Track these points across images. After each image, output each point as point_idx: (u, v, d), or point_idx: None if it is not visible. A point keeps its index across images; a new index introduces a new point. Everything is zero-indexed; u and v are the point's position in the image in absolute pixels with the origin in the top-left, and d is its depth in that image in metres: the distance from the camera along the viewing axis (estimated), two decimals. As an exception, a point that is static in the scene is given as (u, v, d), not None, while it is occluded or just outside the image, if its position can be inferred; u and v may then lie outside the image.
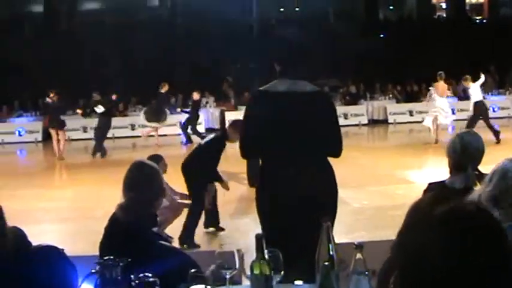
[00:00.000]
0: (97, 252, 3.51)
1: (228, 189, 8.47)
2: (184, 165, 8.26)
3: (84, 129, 23.10)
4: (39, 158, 20.39)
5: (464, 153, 3.85)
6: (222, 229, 8.72)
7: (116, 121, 22.93)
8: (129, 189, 3.36)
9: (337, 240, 2.86)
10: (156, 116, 20.15)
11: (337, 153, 4.30)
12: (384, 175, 12.69)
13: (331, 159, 4.29)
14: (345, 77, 27.74)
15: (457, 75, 24.86)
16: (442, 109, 17.20)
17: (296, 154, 4.16)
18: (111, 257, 2.72)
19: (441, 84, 17.36)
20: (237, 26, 28.90)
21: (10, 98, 25.71)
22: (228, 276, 2.97)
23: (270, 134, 4.19)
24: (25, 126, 24.20)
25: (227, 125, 8.66)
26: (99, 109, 18.35)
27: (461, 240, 1.39)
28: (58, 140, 17.95)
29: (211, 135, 8.65)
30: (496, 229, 1.45)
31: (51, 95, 17.85)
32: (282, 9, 35.70)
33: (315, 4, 32.57)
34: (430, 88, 17.97)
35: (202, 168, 8.12)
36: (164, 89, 19.79)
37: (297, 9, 35.80)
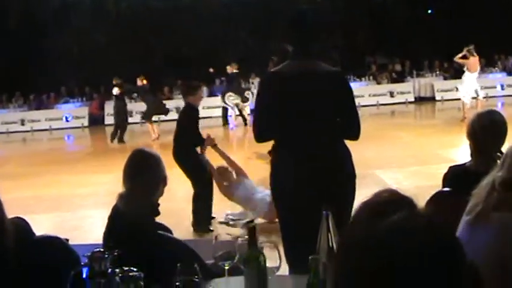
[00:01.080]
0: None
1: (214, 143, 7.88)
2: (174, 153, 7.88)
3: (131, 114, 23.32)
4: (85, 143, 20.64)
5: (485, 134, 3.63)
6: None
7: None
8: (129, 178, 3.27)
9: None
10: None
11: (354, 136, 4.11)
12: (428, 154, 12.35)
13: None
14: (391, 53, 27.27)
15: (507, 50, 24.26)
16: (471, 86, 16.76)
17: (310, 137, 4.00)
18: (101, 249, 2.65)
19: (472, 60, 16.87)
20: (280, 5, 28.66)
21: (57, 85, 26.12)
22: (226, 268, 2.86)
23: (282, 116, 4.04)
24: (72, 112, 24.61)
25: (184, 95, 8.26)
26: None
27: (400, 265, 1.13)
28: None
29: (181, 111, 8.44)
30: (449, 253, 1.17)
31: (141, 80, 17.79)
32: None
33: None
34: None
35: (187, 141, 7.82)
36: (232, 69, 19.66)
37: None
